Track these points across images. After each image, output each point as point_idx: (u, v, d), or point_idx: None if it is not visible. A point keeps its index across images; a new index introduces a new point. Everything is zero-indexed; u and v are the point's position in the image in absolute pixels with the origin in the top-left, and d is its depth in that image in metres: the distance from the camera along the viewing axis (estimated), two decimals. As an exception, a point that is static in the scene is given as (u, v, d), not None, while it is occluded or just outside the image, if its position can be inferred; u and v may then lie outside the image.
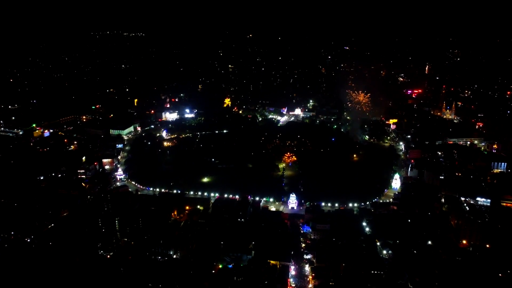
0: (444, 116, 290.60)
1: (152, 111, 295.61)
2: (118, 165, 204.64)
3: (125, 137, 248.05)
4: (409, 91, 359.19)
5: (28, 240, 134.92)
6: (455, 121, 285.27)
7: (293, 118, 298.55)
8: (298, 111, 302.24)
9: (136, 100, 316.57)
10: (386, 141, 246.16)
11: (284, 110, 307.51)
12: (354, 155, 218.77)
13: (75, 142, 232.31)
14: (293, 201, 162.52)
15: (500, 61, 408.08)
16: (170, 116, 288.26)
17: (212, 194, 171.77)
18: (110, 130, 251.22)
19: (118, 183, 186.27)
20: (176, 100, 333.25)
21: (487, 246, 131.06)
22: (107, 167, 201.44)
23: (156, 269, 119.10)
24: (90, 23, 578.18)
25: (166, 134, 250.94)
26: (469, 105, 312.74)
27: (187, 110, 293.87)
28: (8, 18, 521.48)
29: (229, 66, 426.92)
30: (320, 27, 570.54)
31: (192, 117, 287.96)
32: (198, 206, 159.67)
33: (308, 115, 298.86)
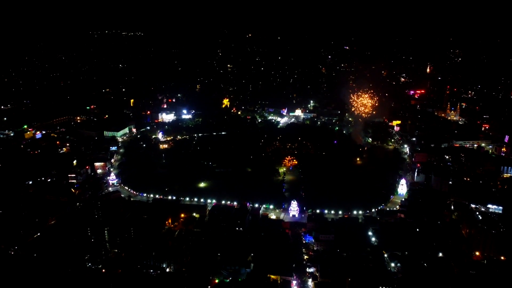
0: (449, 118, 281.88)
1: (148, 112, 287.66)
2: (111, 169, 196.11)
3: (120, 139, 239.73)
4: (412, 92, 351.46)
5: (12, 252, 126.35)
6: (460, 122, 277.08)
7: (293, 119, 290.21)
8: (298, 112, 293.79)
9: (132, 100, 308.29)
10: (390, 143, 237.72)
11: (284, 111, 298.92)
12: (358, 159, 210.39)
13: (68, 144, 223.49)
14: (294, 208, 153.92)
15: (503, 61, 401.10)
16: (167, 117, 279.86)
17: (208, 201, 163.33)
18: (104, 132, 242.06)
19: (110, 188, 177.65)
20: (173, 100, 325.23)
21: (502, 258, 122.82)
22: (99, 171, 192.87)
23: (148, 284, 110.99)
24: (89, 22, 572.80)
25: (162, 136, 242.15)
26: (474, 106, 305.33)
27: (185, 111, 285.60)
28: (5, 17, 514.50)
29: (228, 65, 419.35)
30: (320, 27, 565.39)
31: (189, 118, 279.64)
32: (194, 214, 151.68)
33: (309, 116, 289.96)
